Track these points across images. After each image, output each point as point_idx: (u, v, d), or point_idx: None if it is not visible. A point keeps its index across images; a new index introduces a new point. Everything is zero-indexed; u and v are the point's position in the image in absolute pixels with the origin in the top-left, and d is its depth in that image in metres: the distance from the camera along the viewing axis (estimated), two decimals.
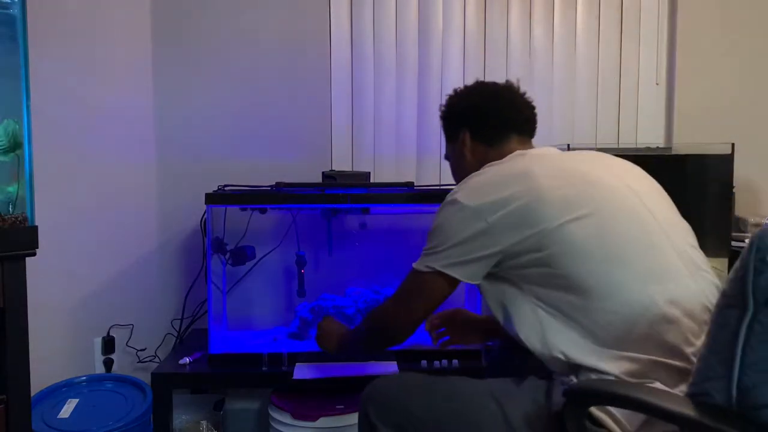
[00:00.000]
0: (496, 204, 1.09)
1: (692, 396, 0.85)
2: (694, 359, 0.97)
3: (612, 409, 0.99)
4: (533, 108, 1.35)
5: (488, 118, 1.31)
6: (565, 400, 0.97)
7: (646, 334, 1.01)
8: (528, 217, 1.07)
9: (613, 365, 1.01)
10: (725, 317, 0.80)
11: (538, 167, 1.14)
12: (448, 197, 1.17)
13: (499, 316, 1.16)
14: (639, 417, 0.98)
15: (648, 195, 1.16)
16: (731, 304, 0.79)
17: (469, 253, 1.11)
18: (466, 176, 1.22)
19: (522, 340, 1.10)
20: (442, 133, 1.43)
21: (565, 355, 1.05)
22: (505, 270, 1.11)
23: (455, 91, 1.40)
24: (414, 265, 1.19)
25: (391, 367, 1.70)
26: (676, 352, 1.01)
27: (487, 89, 1.36)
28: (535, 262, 1.07)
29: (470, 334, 1.56)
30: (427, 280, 1.16)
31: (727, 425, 0.78)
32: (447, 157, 1.44)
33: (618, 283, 1.04)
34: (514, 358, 1.32)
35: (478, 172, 1.20)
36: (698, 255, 1.15)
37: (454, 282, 1.15)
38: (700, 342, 1.01)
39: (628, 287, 1.04)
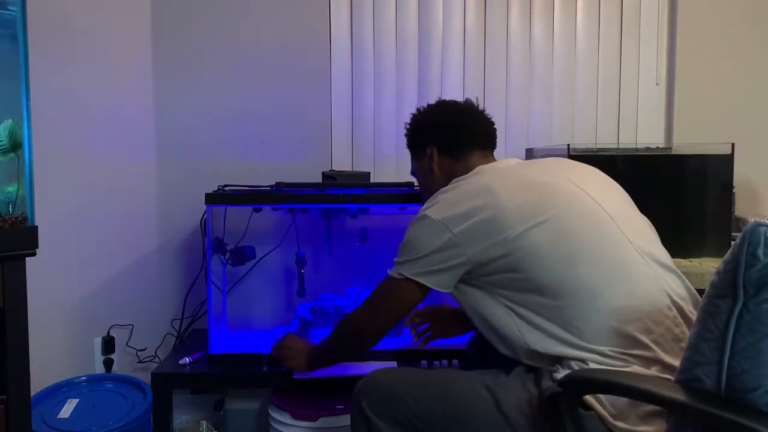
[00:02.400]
0: (461, 217, 1.17)
1: (682, 382, 0.89)
2: (655, 346, 1.08)
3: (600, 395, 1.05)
4: (493, 124, 1.46)
5: (455, 135, 1.40)
6: (561, 389, 1.02)
7: (612, 327, 1.09)
8: (491, 228, 1.16)
9: (590, 355, 1.09)
10: (716, 306, 0.84)
11: (499, 183, 1.22)
12: (419, 214, 1.25)
13: (477, 323, 1.24)
14: (623, 400, 1.04)
15: (605, 196, 1.23)
16: (722, 295, 0.83)
17: (438, 262, 1.19)
18: (435, 189, 1.32)
19: (501, 341, 1.19)
20: (408, 150, 1.52)
21: (545, 351, 1.13)
22: (476, 278, 1.20)
23: (419, 110, 1.49)
24: (388, 272, 1.27)
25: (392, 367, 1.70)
26: (639, 342, 1.09)
27: (451, 108, 1.46)
28: (502, 268, 1.16)
29: (453, 327, 1.61)
30: (399, 287, 1.24)
31: (717, 409, 0.82)
32: (413, 173, 1.54)
33: (581, 281, 1.12)
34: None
35: (443, 189, 1.29)
36: (657, 249, 1.22)
37: (424, 289, 1.23)
38: (661, 329, 1.10)
39: (591, 285, 1.12)
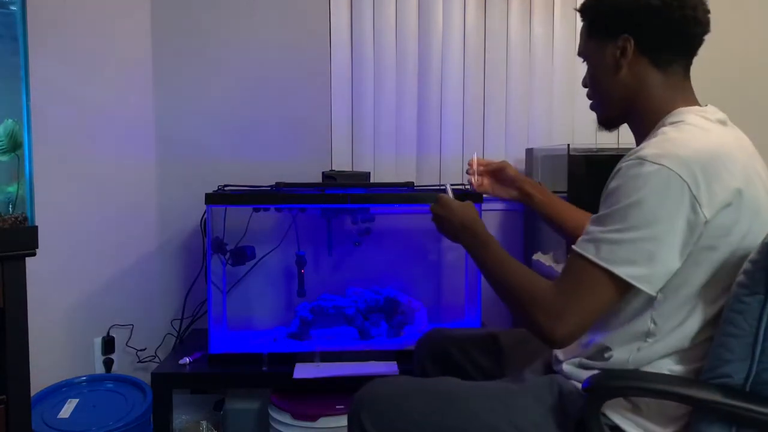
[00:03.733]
0: (719, 198, 0.90)
1: (709, 380, 0.90)
2: None
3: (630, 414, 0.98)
4: (709, 13, 1.07)
5: (671, 33, 1.04)
6: (586, 395, 0.95)
7: None
8: (732, 227, 0.91)
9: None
10: (746, 304, 0.86)
11: (745, 158, 0.97)
12: (655, 160, 0.90)
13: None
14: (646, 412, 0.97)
15: None
16: (753, 292, 0.85)
17: (675, 248, 0.92)
18: (612, 96, 1.08)
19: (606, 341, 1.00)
20: (583, 24, 1.12)
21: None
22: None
23: None
24: (582, 251, 0.95)
25: (392, 367, 1.70)
26: None
27: None
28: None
29: (506, 189, 1.38)
30: (602, 281, 0.95)
31: (747, 402, 0.87)
32: (582, 56, 1.14)
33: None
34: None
35: (676, 127, 0.98)
36: None
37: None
38: None
39: None
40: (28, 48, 1.29)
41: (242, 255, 1.94)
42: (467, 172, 1.41)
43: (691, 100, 1.07)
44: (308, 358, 1.75)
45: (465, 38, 2.18)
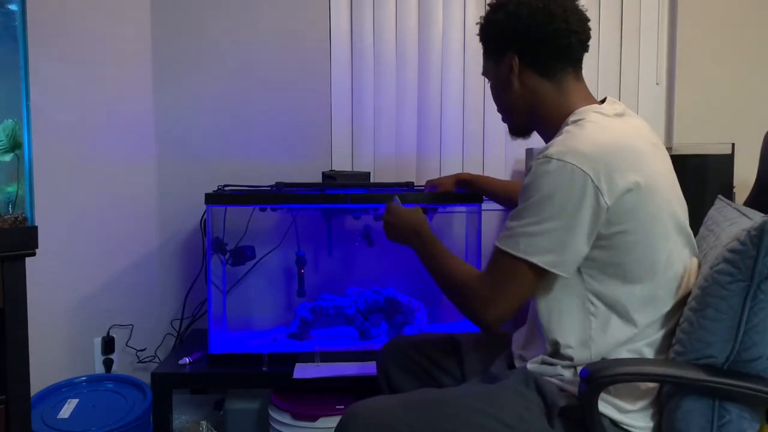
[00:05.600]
0: (617, 186, 1.00)
1: (693, 360, 0.99)
2: None
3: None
4: (589, 20, 1.16)
5: (546, 47, 1.14)
6: (583, 383, 1.00)
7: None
8: (635, 210, 1.02)
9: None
10: (729, 291, 0.95)
11: (643, 146, 1.07)
12: (561, 157, 1.01)
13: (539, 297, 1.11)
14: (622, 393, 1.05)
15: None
16: (736, 280, 0.94)
17: (578, 236, 1.02)
18: (514, 108, 1.19)
19: (552, 324, 1.10)
20: (481, 45, 1.26)
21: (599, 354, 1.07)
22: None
23: (499, 1, 1.21)
24: (502, 245, 1.06)
25: None
26: None
27: (541, 6, 1.13)
28: (605, 251, 1.04)
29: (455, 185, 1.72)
30: (522, 270, 1.06)
31: (728, 378, 0.96)
32: (484, 75, 1.28)
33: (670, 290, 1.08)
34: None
35: (578, 125, 1.07)
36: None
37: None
38: None
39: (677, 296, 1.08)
40: (28, 48, 1.29)
41: (242, 255, 1.94)
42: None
43: (589, 99, 1.17)
44: (308, 358, 1.75)
45: (465, 38, 2.18)
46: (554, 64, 1.15)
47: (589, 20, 1.17)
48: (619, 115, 1.11)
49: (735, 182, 1.89)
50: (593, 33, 1.19)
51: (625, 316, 1.06)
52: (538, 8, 1.13)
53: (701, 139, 2.09)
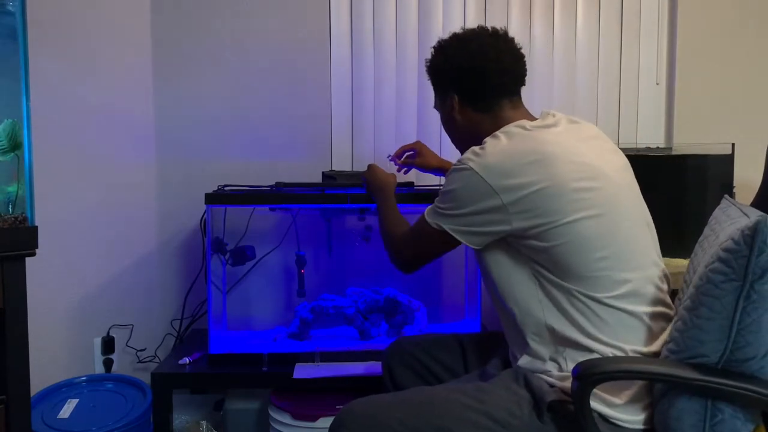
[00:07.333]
0: (515, 187, 1.12)
1: (686, 359, 0.99)
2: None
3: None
4: (523, 57, 1.31)
5: (480, 86, 1.29)
6: (576, 381, 1.02)
7: (633, 325, 1.12)
8: (543, 207, 1.11)
9: (604, 348, 1.10)
10: (722, 290, 0.95)
11: (559, 150, 1.14)
12: (463, 164, 1.19)
13: (495, 274, 1.22)
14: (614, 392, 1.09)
15: (633, 185, 1.24)
16: (729, 279, 0.94)
17: (480, 224, 1.17)
18: (460, 138, 1.36)
19: (512, 303, 1.19)
20: (429, 83, 1.41)
21: (556, 330, 1.13)
22: (510, 240, 1.17)
23: (441, 44, 1.34)
24: (425, 215, 1.27)
25: None
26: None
27: (475, 49, 1.28)
28: (540, 247, 1.13)
29: (433, 165, 1.79)
30: (433, 234, 1.24)
31: (723, 378, 0.96)
32: (435, 108, 1.44)
33: (619, 281, 1.11)
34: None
35: (495, 136, 1.20)
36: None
37: (456, 242, 1.23)
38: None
39: (626, 284, 1.12)
40: (28, 48, 1.29)
41: (242, 255, 1.94)
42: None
43: (527, 118, 1.28)
44: (308, 358, 1.75)
45: None
46: (490, 100, 1.29)
47: (523, 57, 1.31)
48: (547, 126, 1.21)
49: (735, 182, 1.89)
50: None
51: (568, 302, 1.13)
52: (473, 51, 1.27)
53: (701, 139, 2.09)
